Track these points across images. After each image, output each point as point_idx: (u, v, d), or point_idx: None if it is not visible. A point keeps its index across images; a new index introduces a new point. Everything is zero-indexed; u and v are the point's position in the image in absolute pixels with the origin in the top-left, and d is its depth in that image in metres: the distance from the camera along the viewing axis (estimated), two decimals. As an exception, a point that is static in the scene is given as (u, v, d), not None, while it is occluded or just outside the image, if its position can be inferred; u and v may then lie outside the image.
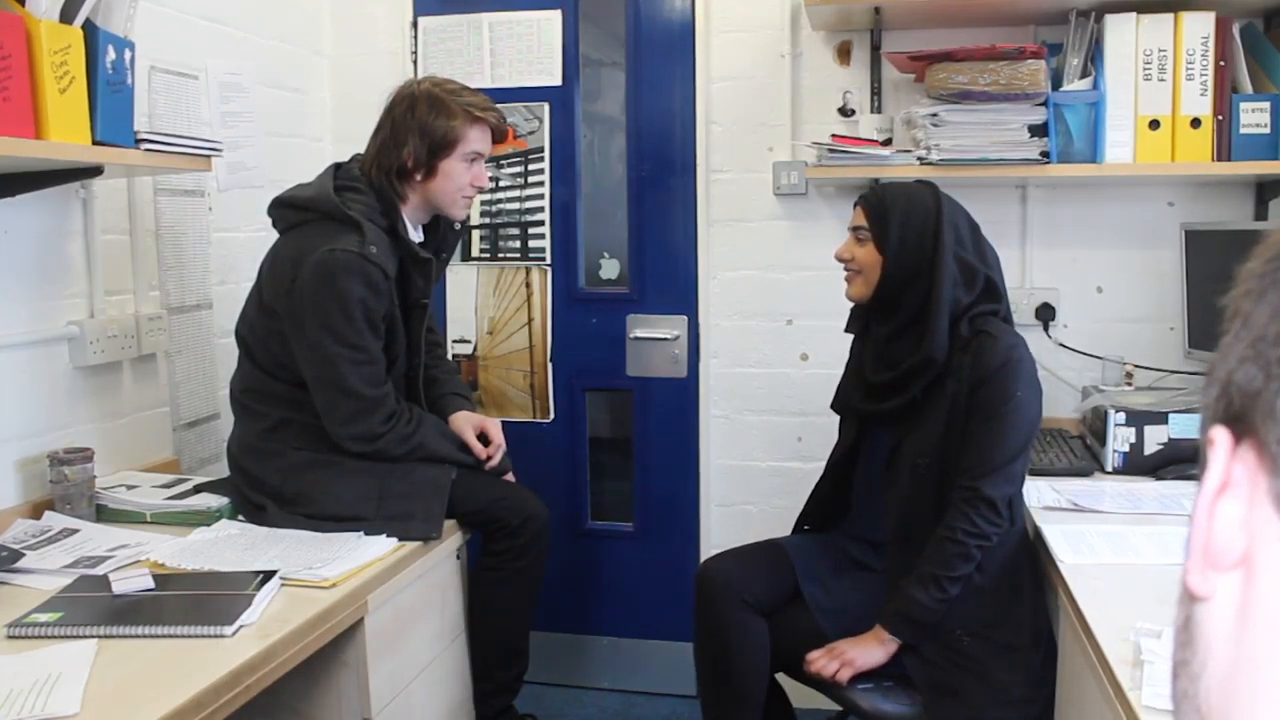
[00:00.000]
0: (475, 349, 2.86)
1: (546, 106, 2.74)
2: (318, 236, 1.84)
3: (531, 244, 2.80)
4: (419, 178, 1.94)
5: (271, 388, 1.92)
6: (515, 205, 2.80)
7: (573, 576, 2.81)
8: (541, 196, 2.78)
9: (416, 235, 2.01)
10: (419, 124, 1.92)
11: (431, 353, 2.19)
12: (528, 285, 2.81)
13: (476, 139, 1.96)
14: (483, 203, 2.81)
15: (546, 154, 2.76)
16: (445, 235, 2.09)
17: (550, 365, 2.81)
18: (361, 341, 1.84)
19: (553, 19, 2.72)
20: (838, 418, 2.09)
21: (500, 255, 2.82)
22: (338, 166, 1.98)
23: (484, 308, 2.85)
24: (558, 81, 2.72)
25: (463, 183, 1.97)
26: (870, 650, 1.76)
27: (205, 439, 2.34)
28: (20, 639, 1.36)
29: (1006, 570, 1.77)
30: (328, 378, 1.84)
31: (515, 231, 2.81)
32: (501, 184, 2.80)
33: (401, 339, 1.97)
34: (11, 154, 1.49)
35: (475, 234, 2.83)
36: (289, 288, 1.84)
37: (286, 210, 1.94)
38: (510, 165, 2.79)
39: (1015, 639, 1.73)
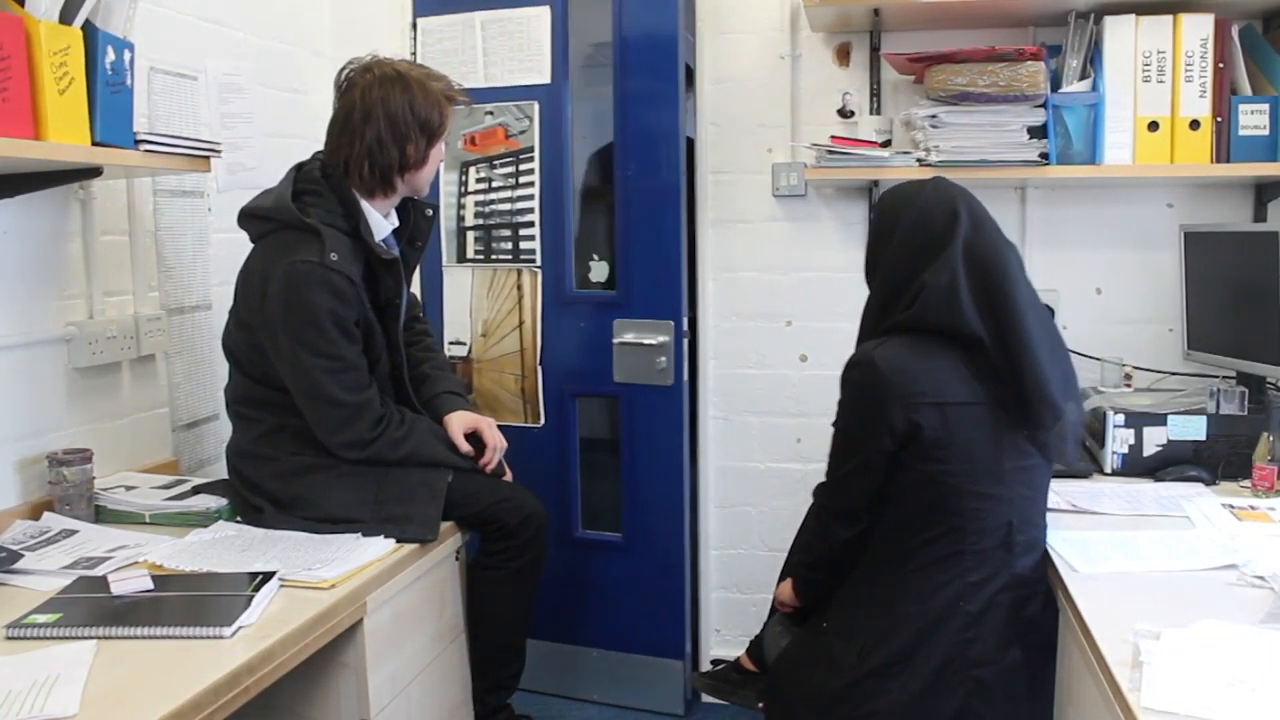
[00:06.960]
0: (470, 351, 2.84)
1: (536, 105, 2.71)
2: (280, 248, 1.82)
3: (523, 245, 2.77)
4: (415, 169, 1.93)
5: (262, 395, 1.91)
6: (507, 206, 2.76)
7: (564, 585, 2.77)
8: (532, 197, 2.74)
9: (390, 223, 1.98)
10: (418, 118, 1.89)
11: (421, 343, 2.17)
12: (519, 287, 2.78)
13: (451, 122, 1.98)
14: (476, 203, 2.79)
15: (536, 154, 2.72)
16: (418, 223, 2.07)
17: (540, 369, 2.77)
18: (336, 350, 1.82)
19: (541, 15, 2.67)
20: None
21: (494, 257, 2.80)
22: (299, 168, 1.94)
23: (478, 310, 2.82)
24: (546, 79, 2.69)
25: (437, 164, 1.99)
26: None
27: (204, 440, 2.34)
28: (19, 640, 1.36)
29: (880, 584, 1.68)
30: (308, 389, 1.83)
31: (507, 233, 2.77)
32: (494, 184, 2.77)
33: (380, 339, 1.95)
34: (11, 155, 1.48)
35: (470, 235, 2.81)
36: (260, 303, 1.83)
37: (251, 221, 1.92)
38: (503, 165, 2.76)
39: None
